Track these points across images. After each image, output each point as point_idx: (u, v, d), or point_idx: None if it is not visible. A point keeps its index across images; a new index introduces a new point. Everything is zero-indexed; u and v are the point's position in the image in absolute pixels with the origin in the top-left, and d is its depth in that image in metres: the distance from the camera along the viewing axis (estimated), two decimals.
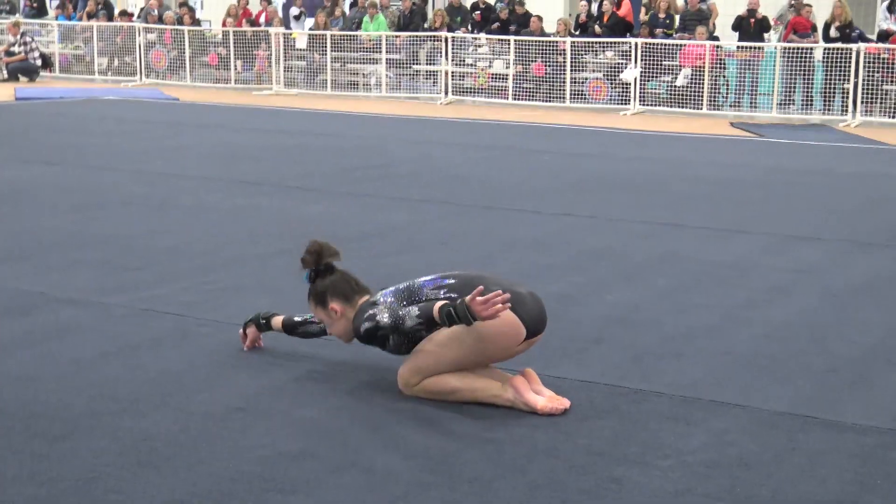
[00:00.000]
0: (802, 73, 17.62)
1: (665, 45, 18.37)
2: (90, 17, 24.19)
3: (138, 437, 3.81)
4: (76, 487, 3.41)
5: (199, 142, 13.07)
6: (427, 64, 20.37)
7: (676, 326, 5.42)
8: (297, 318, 4.78)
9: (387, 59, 20.44)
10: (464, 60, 20.25)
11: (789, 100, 17.85)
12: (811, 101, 17.75)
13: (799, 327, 5.47)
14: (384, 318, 4.21)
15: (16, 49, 22.42)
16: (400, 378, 4.27)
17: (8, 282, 5.99)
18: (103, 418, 3.98)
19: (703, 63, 17.86)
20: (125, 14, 24.65)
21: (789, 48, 17.66)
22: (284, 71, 21.26)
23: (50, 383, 4.35)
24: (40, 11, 26.36)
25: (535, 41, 19.24)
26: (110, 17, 24.28)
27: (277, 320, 4.82)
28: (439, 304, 4.09)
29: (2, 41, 23.68)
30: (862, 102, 17.05)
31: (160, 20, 23.21)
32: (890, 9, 18.41)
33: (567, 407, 4.17)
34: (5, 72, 22.26)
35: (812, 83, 17.65)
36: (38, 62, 22.68)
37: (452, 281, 4.28)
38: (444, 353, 4.17)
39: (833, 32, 17.87)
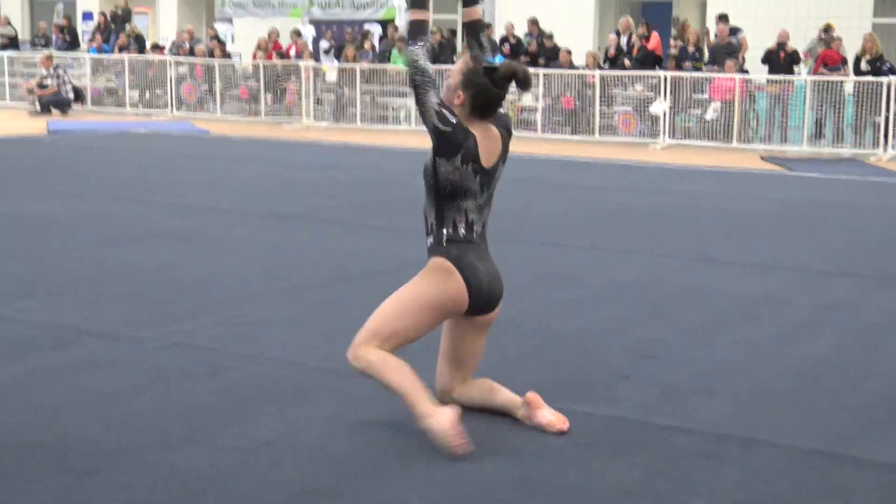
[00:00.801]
0: (833, 106, 17.56)
1: (694, 78, 18.36)
2: (122, 50, 24.40)
3: (168, 471, 3.82)
4: None
5: (229, 174, 13.14)
6: None
7: (706, 362, 5.39)
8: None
9: None
10: None
11: (820, 133, 17.79)
12: (842, 134, 17.67)
13: (830, 363, 5.43)
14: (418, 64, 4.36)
15: (48, 82, 22.63)
16: (352, 346, 4.30)
17: (40, 315, 6.02)
18: (133, 452, 3.99)
19: (733, 96, 17.83)
20: (157, 47, 24.85)
21: (820, 81, 17.61)
22: (314, 104, 21.37)
23: (81, 417, 4.37)
24: (73, 44, 26.62)
25: (565, 74, 19.27)
26: (142, 51, 24.49)
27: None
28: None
29: (35, 74, 23.90)
30: (893, 136, 16.97)
31: (191, 53, 23.38)
32: None
33: (565, 428, 4.27)
34: (38, 105, 22.45)
35: (843, 116, 17.57)
36: (71, 95, 22.87)
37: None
38: (392, 315, 4.29)
39: (864, 66, 17.80)
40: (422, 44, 4.33)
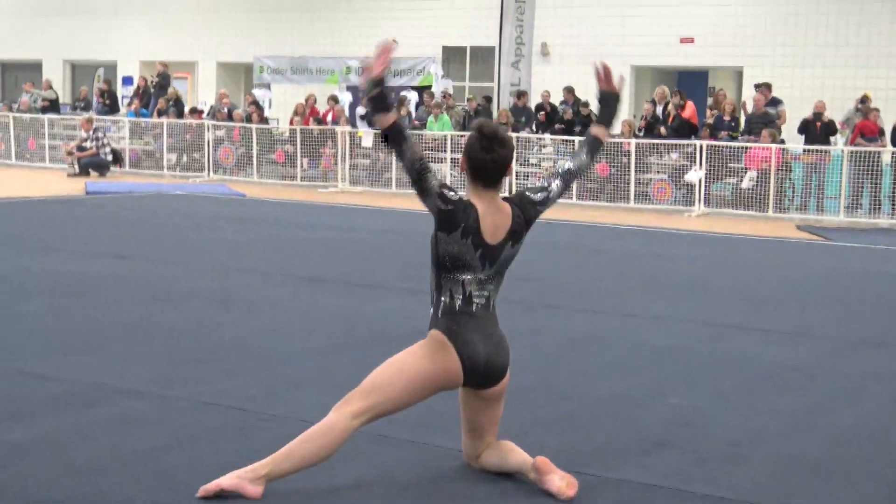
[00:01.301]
0: (870, 176, 17.51)
1: (730, 147, 18.36)
2: (161, 114, 24.69)
3: None
4: None
5: (265, 237, 13.21)
6: None
7: (741, 430, 5.33)
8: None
9: (451, 159, 20.61)
10: (528, 160, 20.36)
11: (857, 203, 17.72)
12: (879, 204, 17.60)
13: (867, 433, 5.37)
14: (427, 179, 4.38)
15: (87, 144, 22.90)
16: (337, 404, 4.31)
17: (73, 373, 6.05)
18: None
19: (769, 166, 17.82)
20: (195, 111, 25.12)
21: (856, 152, 17.58)
22: (350, 169, 21.50)
23: (113, 474, 4.36)
24: (112, 108, 26.96)
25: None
26: (180, 114, 24.77)
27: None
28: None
29: (74, 137, 24.20)
30: None
31: (229, 118, 23.63)
32: None
33: (572, 495, 4.21)
34: (77, 166, 22.70)
35: (880, 187, 17.51)
36: (110, 157, 23.13)
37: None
38: (382, 381, 4.31)
39: None
40: (406, 140, 4.35)
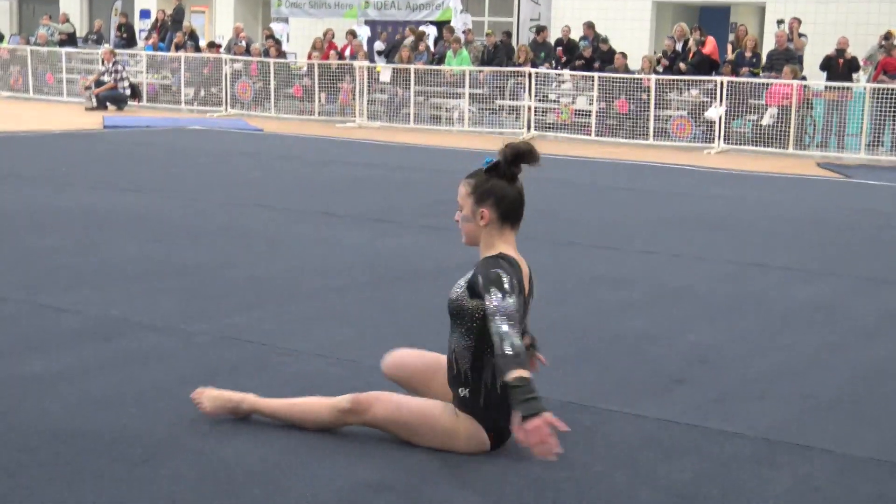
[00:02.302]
0: (892, 113, 17.35)
1: (751, 83, 18.21)
2: (178, 48, 24.59)
3: (217, 464, 3.82)
4: None
5: (282, 173, 13.19)
6: (510, 99, 20.40)
7: (760, 368, 5.33)
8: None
9: (470, 94, 20.50)
10: (547, 96, 20.24)
11: (878, 141, 17.58)
12: None
13: (886, 371, 5.36)
14: (505, 286, 3.76)
15: (105, 78, 22.84)
16: (359, 401, 4.06)
17: (92, 307, 6.07)
18: (183, 444, 4.00)
19: (790, 102, 17.67)
20: (213, 45, 25.02)
21: (879, 89, 17.41)
22: (368, 104, 21.42)
23: (131, 408, 4.38)
24: (130, 42, 26.87)
25: (620, 78, 19.18)
26: (197, 49, 24.66)
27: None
28: (518, 373, 3.57)
29: (92, 70, 24.14)
30: None
31: (247, 52, 23.52)
32: None
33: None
34: (94, 100, 22.67)
35: None
36: (128, 91, 23.08)
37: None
38: (410, 420, 4.01)
39: None
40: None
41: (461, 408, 3.99)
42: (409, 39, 22.23)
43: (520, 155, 3.92)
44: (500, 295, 3.74)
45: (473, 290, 3.90)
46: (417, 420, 4.00)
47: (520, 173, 4.00)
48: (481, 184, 3.98)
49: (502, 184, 3.96)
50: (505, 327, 3.67)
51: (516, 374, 3.57)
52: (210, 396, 4.26)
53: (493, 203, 3.95)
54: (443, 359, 4.21)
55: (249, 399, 4.25)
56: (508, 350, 3.62)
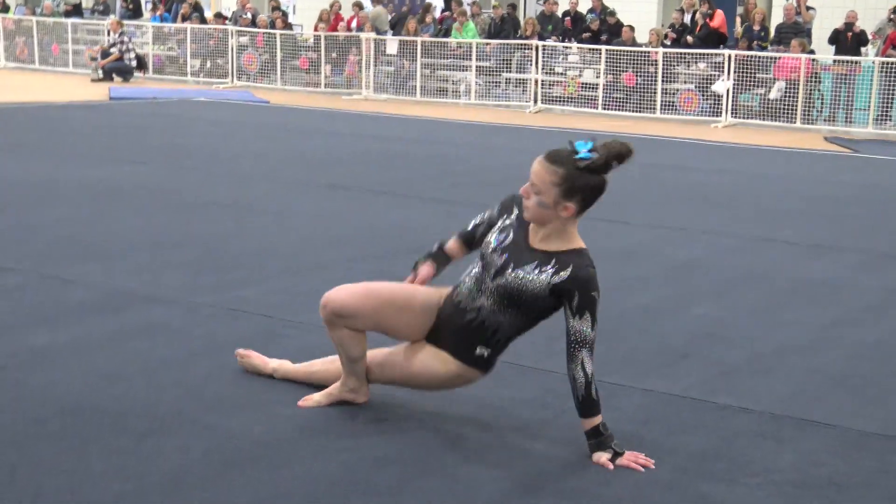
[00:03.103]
0: None
1: (759, 57, 18.14)
2: (184, 19, 24.53)
3: (223, 436, 3.83)
4: (161, 484, 3.43)
5: (288, 145, 13.18)
6: (517, 72, 20.34)
7: (766, 343, 5.33)
8: (469, 229, 4.27)
9: (476, 67, 20.44)
10: (553, 69, 20.18)
11: (886, 115, 17.52)
12: None
13: (891, 347, 5.36)
14: (596, 315, 3.88)
15: (112, 49, 22.80)
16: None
17: (99, 279, 6.07)
18: (189, 417, 4.01)
19: (798, 76, 17.61)
20: (219, 16, 24.94)
21: (887, 63, 17.34)
22: (374, 76, 21.37)
23: (137, 380, 4.40)
24: (135, 13, 26.80)
25: (627, 51, 19.12)
26: (202, 20, 24.59)
27: (453, 245, 4.32)
28: (601, 418, 3.79)
29: (98, 41, 24.10)
30: None
31: (252, 24, 23.46)
32: None
33: None
34: (100, 72, 22.63)
35: None
36: (134, 63, 23.04)
37: None
38: (410, 364, 4.09)
39: None
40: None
41: (464, 360, 4.00)
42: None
43: (618, 156, 3.78)
44: (591, 323, 3.84)
45: (559, 293, 3.84)
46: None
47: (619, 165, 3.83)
48: (572, 178, 3.76)
49: (594, 181, 3.78)
50: (591, 366, 3.82)
51: (599, 419, 3.79)
52: (250, 357, 4.56)
53: (584, 198, 3.80)
54: (402, 293, 4.13)
55: (275, 363, 4.52)
56: (595, 395, 3.80)
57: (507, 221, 4.02)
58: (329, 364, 4.37)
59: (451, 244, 4.31)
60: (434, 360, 4.05)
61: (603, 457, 3.73)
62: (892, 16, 18.66)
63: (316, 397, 4.21)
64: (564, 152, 3.81)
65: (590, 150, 3.78)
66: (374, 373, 4.17)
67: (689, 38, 19.45)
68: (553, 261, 3.85)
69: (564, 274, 3.82)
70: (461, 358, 4.01)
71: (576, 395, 3.79)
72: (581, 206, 3.82)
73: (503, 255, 3.92)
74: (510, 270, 3.88)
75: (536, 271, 3.85)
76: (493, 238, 4.00)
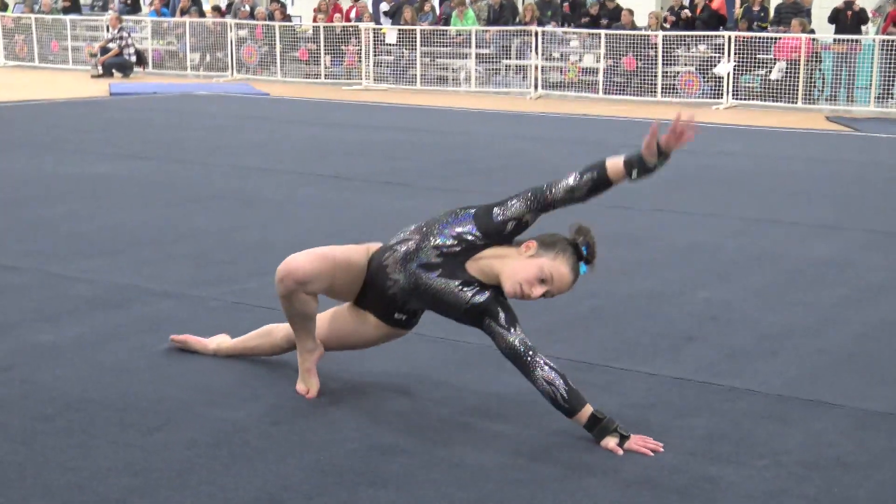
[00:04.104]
0: None
1: (759, 38, 18.10)
2: (183, 13, 24.51)
3: (230, 429, 3.83)
4: (169, 478, 3.43)
5: (290, 136, 13.17)
6: (516, 58, 20.31)
7: (771, 324, 5.32)
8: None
9: (476, 54, 20.41)
10: (553, 55, 20.14)
11: (888, 93, 17.49)
12: None
13: None
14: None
15: (111, 45, 22.78)
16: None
17: (103, 275, 6.07)
18: (196, 410, 4.01)
19: (799, 56, 17.57)
20: (216, 9, 24.92)
21: (888, 41, 17.29)
22: (374, 66, 21.34)
23: (143, 374, 4.40)
24: (134, 8, 26.76)
25: (626, 35, 19.08)
26: (201, 14, 24.57)
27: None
28: (590, 407, 3.79)
29: (97, 37, 24.08)
30: None
31: (251, 16, 23.43)
32: None
33: None
34: (100, 68, 22.62)
35: None
36: (133, 58, 23.02)
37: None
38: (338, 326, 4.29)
39: None
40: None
41: (389, 322, 4.20)
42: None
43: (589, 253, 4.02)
44: (520, 328, 3.93)
45: (481, 312, 3.91)
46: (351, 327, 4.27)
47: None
48: (553, 242, 3.98)
49: (569, 257, 3.96)
50: (550, 361, 3.86)
51: (590, 408, 3.76)
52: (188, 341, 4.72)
53: (541, 253, 3.91)
54: (344, 253, 4.17)
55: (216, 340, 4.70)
56: (573, 386, 3.78)
57: (481, 241, 3.97)
58: (264, 337, 4.57)
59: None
60: (365, 326, 4.24)
61: (611, 442, 3.72)
62: None
63: (307, 384, 4.23)
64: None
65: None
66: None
67: (686, 12, 19.40)
68: (476, 285, 3.91)
69: (484, 294, 3.89)
70: (386, 321, 4.20)
71: (556, 398, 3.76)
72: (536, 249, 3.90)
73: (438, 258, 3.96)
74: (435, 274, 3.94)
75: (458, 288, 3.91)
76: (442, 237, 4.01)
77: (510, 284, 3.85)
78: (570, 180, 4.04)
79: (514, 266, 3.87)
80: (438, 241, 3.99)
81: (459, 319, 4.00)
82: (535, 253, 3.89)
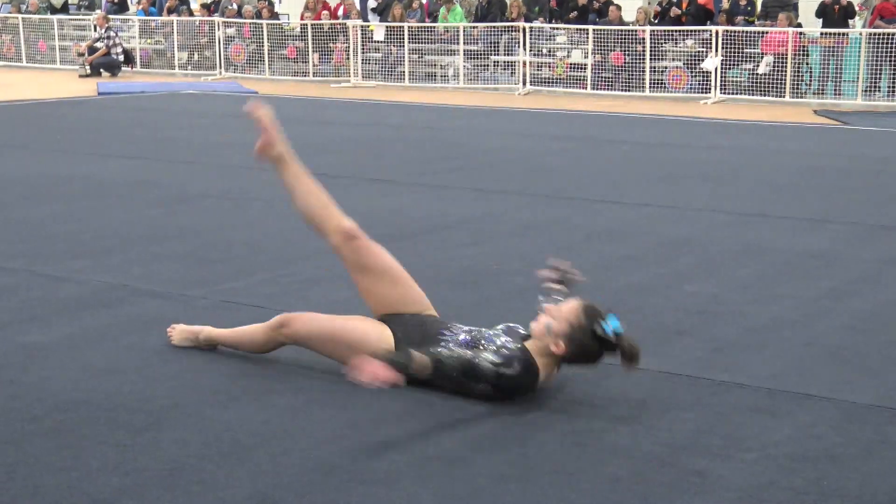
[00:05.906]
0: (889, 59, 17.27)
1: (746, 32, 18.12)
2: (170, 12, 24.46)
3: (221, 428, 3.83)
4: (160, 478, 3.43)
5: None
6: (505, 55, 20.31)
7: (759, 317, 5.33)
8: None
9: (464, 51, 20.41)
10: (541, 51, 20.15)
11: (875, 87, 17.53)
12: None
13: (886, 319, 5.36)
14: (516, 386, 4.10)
15: (98, 44, 22.73)
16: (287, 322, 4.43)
17: (91, 275, 6.07)
18: (186, 410, 4.01)
19: (786, 50, 17.60)
20: (205, 8, 24.87)
21: (875, 34, 17.33)
22: (362, 63, 21.32)
23: (133, 375, 4.39)
24: (122, 7, 26.71)
25: (614, 30, 19.09)
26: (190, 13, 24.52)
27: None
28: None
29: (84, 37, 24.03)
30: None
31: (239, 14, 23.39)
32: None
33: None
34: (88, 67, 22.57)
35: None
36: (121, 57, 22.98)
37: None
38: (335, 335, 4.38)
39: None
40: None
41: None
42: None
43: (628, 356, 4.03)
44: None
45: (494, 379, 4.07)
46: (341, 336, 4.35)
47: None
48: (584, 336, 4.05)
49: (592, 350, 4.08)
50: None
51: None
52: (178, 330, 4.78)
53: (573, 353, 4.07)
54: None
55: (206, 330, 4.73)
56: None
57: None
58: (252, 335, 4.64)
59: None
60: (373, 336, 4.33)
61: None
62: None
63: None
64: (598, 313, 4.06)
65: (614, 331, 4.03)
66: (300, 321, 4.43)
67: (675, 10, 19.43)
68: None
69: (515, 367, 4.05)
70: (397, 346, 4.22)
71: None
72: (569, 357, 4.07)
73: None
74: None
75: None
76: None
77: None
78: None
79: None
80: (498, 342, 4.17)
81: (468, 387, 4.15)
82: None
